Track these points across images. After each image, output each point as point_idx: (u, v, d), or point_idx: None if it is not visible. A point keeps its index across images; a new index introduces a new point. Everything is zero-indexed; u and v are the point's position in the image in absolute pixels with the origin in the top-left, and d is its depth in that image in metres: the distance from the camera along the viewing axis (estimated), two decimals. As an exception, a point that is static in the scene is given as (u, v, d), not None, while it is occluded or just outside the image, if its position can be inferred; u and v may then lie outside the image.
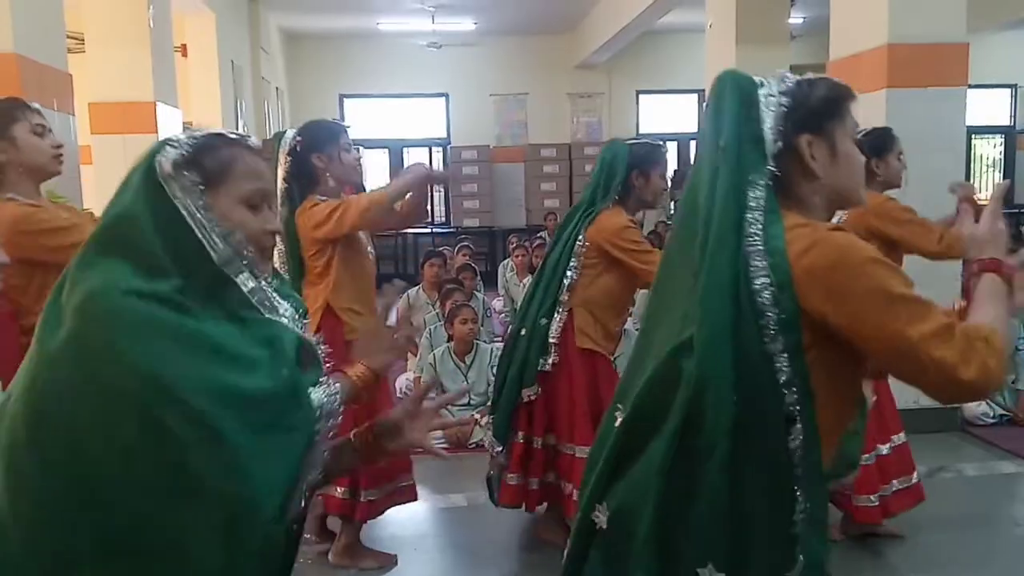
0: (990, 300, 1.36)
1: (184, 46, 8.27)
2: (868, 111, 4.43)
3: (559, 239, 3.16)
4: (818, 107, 1.41)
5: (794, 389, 1.27)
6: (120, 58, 5.73)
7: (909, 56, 4.21)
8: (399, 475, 3.16)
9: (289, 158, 2.93)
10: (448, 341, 4.87)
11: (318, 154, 2.92)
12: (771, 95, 1.39)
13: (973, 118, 12.24)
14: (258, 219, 1.27)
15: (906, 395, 4.37)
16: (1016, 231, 9.62)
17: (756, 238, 1.30)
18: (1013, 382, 4.77)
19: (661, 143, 3.16)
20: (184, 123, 7.13)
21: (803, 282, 1.28)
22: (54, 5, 4.19)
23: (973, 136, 12.65)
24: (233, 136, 1.29)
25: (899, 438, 3.21)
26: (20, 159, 2.37)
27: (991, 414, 4.58)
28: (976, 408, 4.57)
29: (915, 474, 3.21)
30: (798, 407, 1.27)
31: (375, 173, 12.34)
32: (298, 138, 2.94)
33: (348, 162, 2.94)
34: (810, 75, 1.45)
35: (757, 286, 1.28)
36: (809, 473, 1.29)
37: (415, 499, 3.27)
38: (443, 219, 12.19)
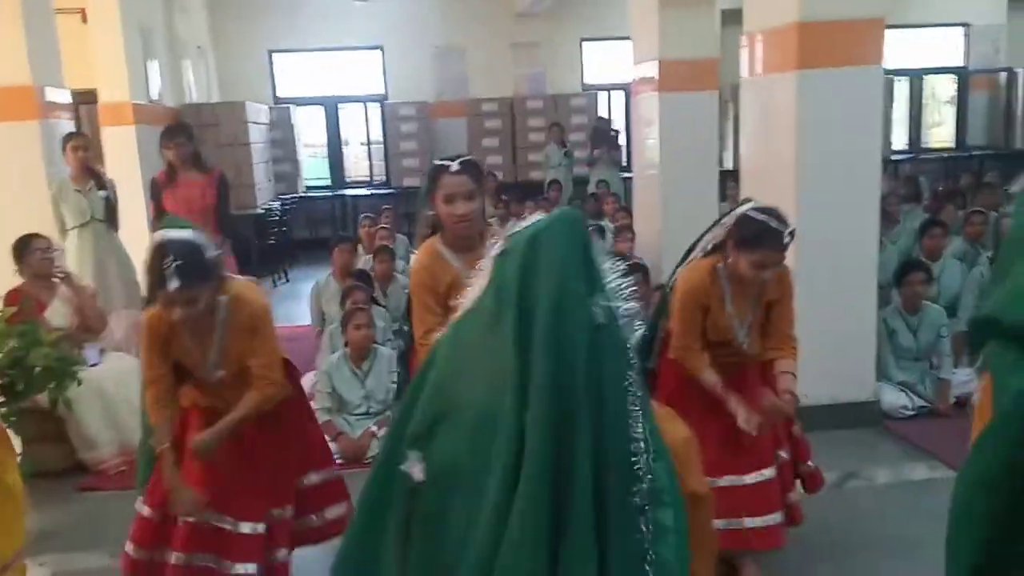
0: None
1: (83, 10, 7.72)
2: (779, 94, 4.14)
3: None
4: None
5: None
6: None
7: (821, 34, 3.89)
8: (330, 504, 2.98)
9: None
10: (344, 346, 4.58)
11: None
12: None
13: (926, 58, 12.10)
14: None
15: (820, 390, 4.21)
16: (977, 179, 9.41)
17: None
18: (932, 368, 4.59)
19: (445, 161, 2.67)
20: (77, 91, 6.63)
21: None
22: None
23: (924, 76, 12.40)
24: None
25: (766, 473, 2.88)
26: None
27: (910, 406, 4.40)
28: (895, 400, 4.40)
29: (777, 514, 2.87)
30: None
31: (310, 132, 11.86)
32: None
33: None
34: None
35: None
36: None
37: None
38: (383, 178, 11.78)
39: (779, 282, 2.78)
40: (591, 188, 9.68)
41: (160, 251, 2.45)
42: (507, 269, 1.35)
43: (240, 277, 2.88)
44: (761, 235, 2.61)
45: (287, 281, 9.51)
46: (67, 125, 5.91)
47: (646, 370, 3.09)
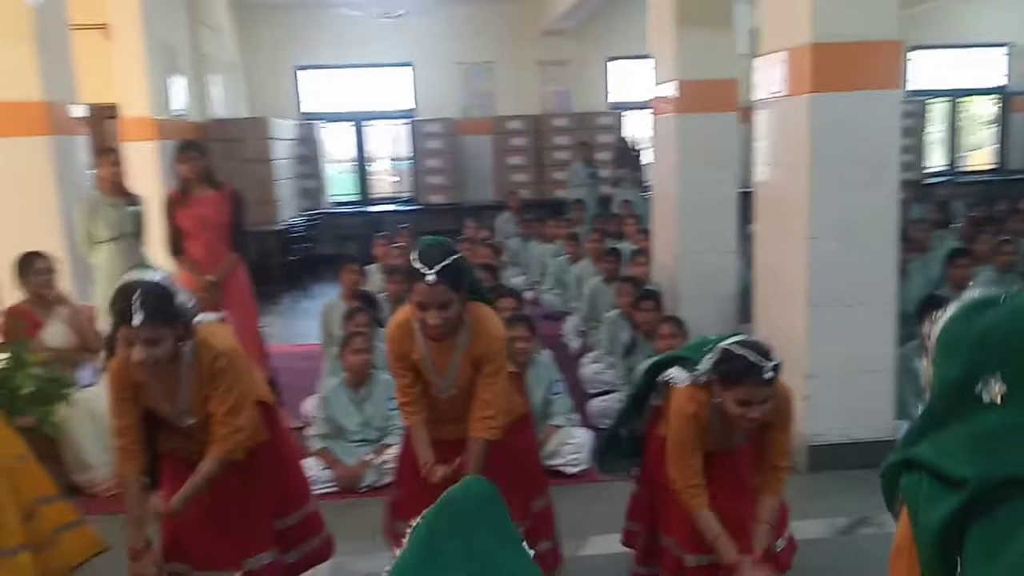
0: None
1: (106, 26, 7.77)
2: (793, 116, 3.97)
3: None
4: None
5: None
6: None
7: (836, 56, 3.72)
8: (308, 538, 2.97)
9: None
10: (344, 370, 4.47)
11: None
12: None
13: (966, 78, 11.79)
14: None
15: (833, 427, 4.02)
16: (1013, 205, 9.07)
17: None
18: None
19: None
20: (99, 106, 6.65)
21: None
22: None
23: (963, 97, 12.05)
24: None
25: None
26: None
27: (932, 447, 4.17)
28: (915, 440, 4.17)
29: None
30: None
31: (337, 148, 11.85)
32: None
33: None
34: None
35: None
36: None
37: (329, 556, 3.07)
38: (410, 195, 11.73)
39: (777, 408, 2.54)
40: (615, 208, 9.54)
41: (127, 289, 2.40)
42: (416, 534, 1.23)
43: (212, 316, 2.79)
44: (742, 370, 2.43)
45: (307, 298, 9.46)
46: (82, 141, 5.91)
47: (635, 436, 3.01)
